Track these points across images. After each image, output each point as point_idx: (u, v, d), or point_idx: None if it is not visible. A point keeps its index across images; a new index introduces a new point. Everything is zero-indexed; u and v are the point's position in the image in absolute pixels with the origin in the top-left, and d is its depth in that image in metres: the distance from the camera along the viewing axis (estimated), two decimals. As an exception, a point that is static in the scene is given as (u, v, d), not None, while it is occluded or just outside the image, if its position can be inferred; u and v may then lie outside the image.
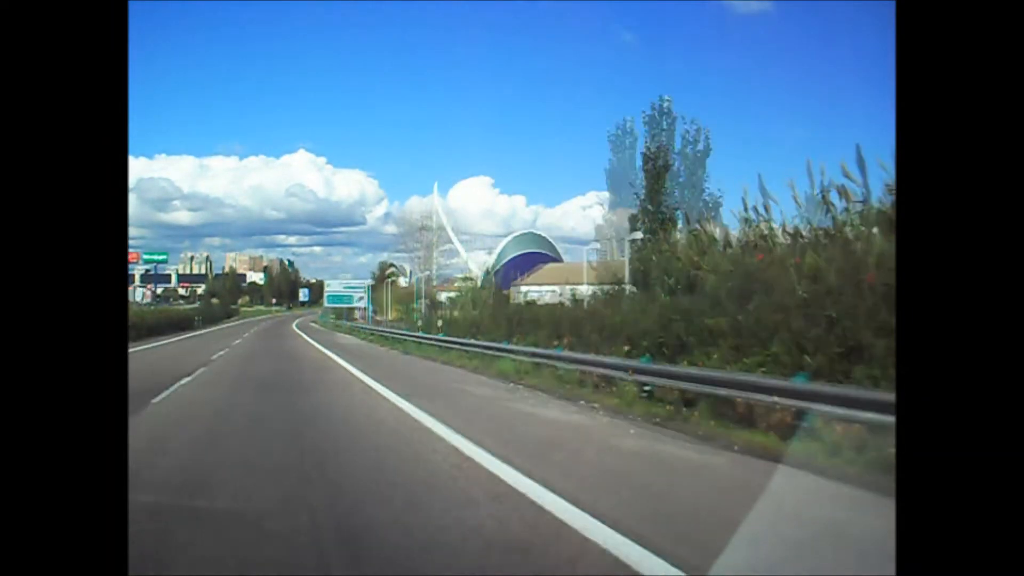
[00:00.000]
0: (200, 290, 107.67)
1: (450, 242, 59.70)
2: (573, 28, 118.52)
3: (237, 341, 31.09)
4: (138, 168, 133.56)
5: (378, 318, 57.14)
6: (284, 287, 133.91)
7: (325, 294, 66.33)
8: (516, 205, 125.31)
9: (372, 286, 64.92)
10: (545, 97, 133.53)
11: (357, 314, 62.18)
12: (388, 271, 75.35)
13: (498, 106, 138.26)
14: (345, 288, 62.42)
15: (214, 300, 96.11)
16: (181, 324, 45.61)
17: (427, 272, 55.60)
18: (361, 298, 60.43)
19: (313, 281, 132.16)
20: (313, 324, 62.82)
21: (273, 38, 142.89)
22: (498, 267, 57.97)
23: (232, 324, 65.03)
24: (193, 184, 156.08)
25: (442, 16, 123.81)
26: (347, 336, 39.46)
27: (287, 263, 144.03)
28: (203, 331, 45.44)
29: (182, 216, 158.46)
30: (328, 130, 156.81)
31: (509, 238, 62.94)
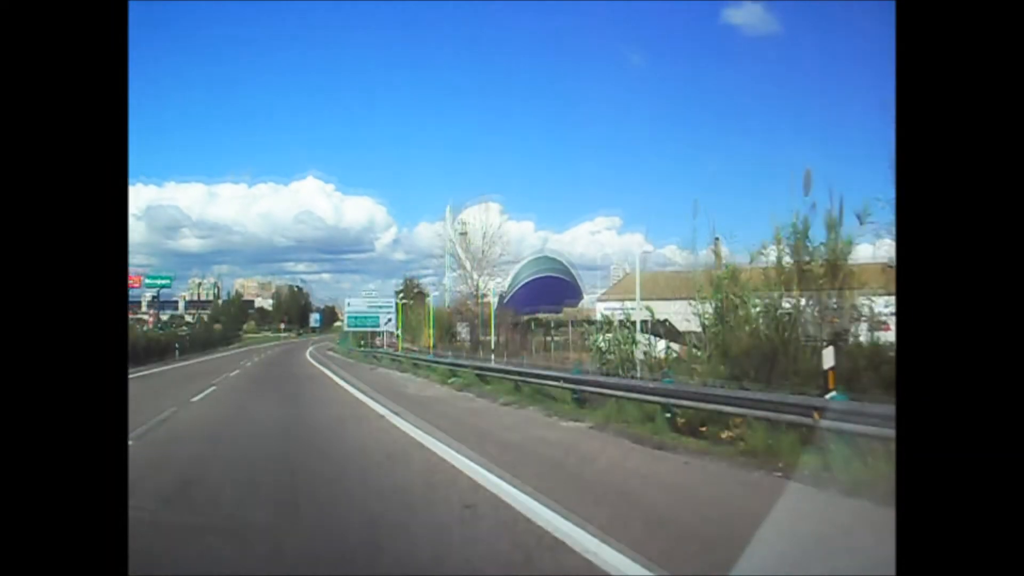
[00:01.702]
0: (206, 316, 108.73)
1: (461, 267, 58.21)
2: (582, 50, 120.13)
3: (199, 395, 16.57)
4: (147, 195, 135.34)
5: (405, 344, 47.97)
6: (294, 311, 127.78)
7: (345, 315, 55.75)
8: (525, 230, 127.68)
9: (404, 304, 54.42)
10: (554, 120, 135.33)
11: (382, 339, 53.44)
12: (412, 290, 65.37)
13: (507, 130, 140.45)
14: (369, 307, 52.45)
15: (216, 325, 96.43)
16: (150, 355, 35.28)
17: (497, 279, 48.89)
18: (389, 320, 51.05)
19: (324, 307, 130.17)
20: (333, 353, 52.16)
21: (282, 65, 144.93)
22: (514, 290, 57.17)
23: (226, 353, 53.49)
24: (202, 211, 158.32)
25: (450, 42, 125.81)
26: (410, 377, 23.24)
27: (297, 287, 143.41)
28: (174, 366, 33.46)
29: (191, 243, 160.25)
30: (337, 156, 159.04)
31: (524, 260, 62.32)
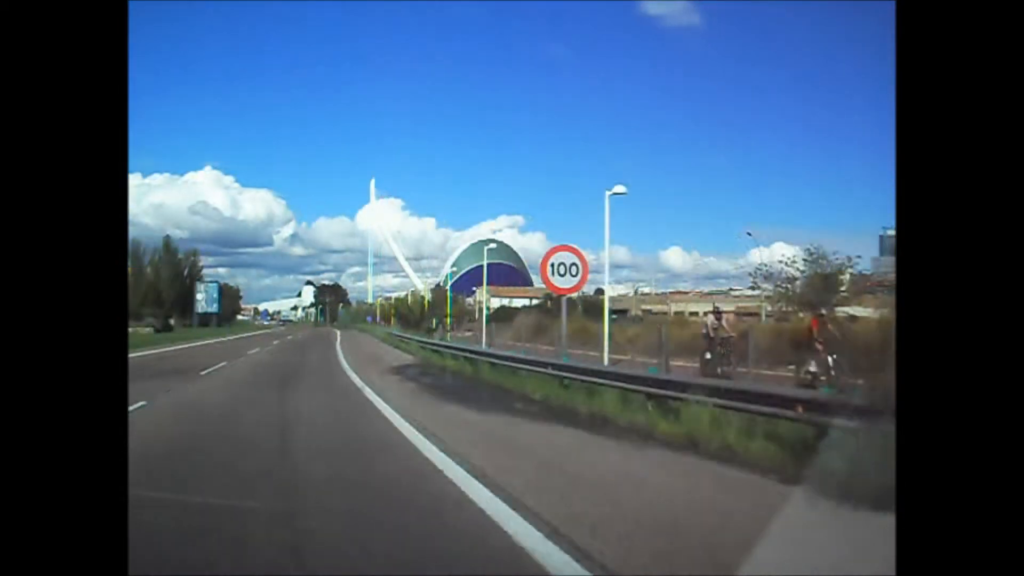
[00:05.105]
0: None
1: (365, 264, 56.57)
2: (483, 47, 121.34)
3: None
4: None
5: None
6: (165, 282, 72.13)
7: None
8: (426, 227, 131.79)
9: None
10: (456, 118, 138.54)
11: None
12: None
13: (408, 127, 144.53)
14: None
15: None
16: None
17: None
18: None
19: (237, 287, 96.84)
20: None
21: (178, 53, 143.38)
22: (456, 279, 55.73)
23: None
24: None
25: (350, 36, 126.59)
26: None
27: (167, 239, 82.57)
28: None
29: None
30: (236, 148, 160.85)
31: (465, 247, 60.86)
